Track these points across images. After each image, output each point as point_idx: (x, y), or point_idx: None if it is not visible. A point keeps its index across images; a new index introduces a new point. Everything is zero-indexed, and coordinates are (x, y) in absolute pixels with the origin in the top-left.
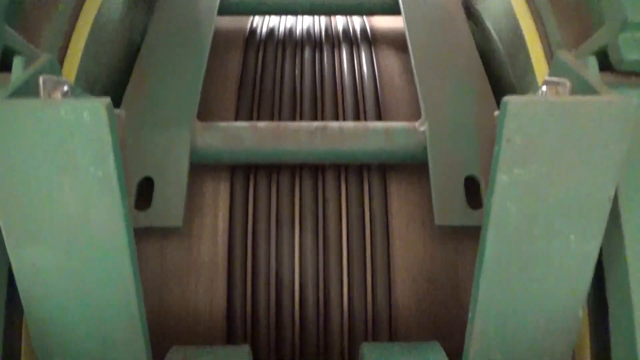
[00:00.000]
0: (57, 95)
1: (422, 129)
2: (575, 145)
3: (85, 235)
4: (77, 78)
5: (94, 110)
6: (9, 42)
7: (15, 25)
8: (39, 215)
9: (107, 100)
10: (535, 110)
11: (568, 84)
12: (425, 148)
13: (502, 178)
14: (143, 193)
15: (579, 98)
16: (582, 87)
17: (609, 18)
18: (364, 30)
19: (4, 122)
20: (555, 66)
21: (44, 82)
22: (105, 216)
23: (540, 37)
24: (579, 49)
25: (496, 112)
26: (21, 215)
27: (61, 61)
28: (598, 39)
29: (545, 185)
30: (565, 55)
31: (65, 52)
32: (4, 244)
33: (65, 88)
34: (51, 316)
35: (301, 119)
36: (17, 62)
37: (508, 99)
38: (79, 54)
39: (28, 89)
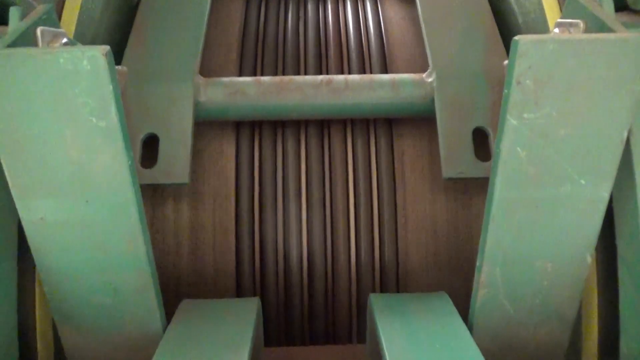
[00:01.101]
0: (56, 46)
1: (429, 80)
2: (588, 86)
3: (91, 187)
4: (75, 34)
5: (94, 58)
6: None
7: None
8: (44, 167)
9: (106, 48)
10: (547, 49)
11: (581, 24)
12: (433, 100)
13: (511, 123)
14: (147, 152)
15: (592, 35)
16: (597, 27)
17: None
18: None
19: (3, 73)
20: (568, 7)
21: (42, 33)
22: (109, 167)
23: None
24: None
25: (505, 62)
26: (27, 168)
27: (58, 17)
28: None
29: (556, 128)
30: None
31: (62, 7)
32: (12, 200)
33: (64, 40)
34: (62, 269)
35: (306, 73)
36: (14, 12)
37: (519, 37)
38: (77, 10)
39: (26, 42)
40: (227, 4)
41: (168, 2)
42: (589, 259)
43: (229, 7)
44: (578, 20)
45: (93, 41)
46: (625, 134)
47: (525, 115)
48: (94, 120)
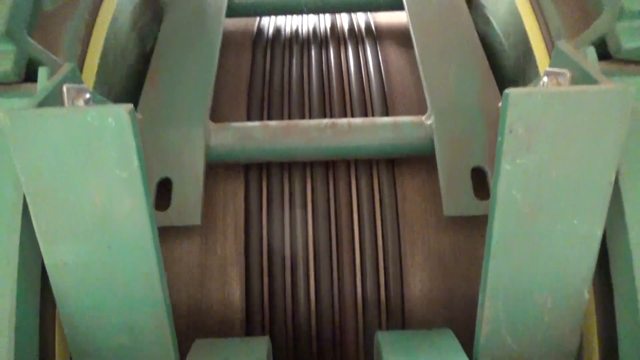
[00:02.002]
0: (80, 102)
1: (428, 122)
2: (576, 133)
3: (113, 234)
4: (95, 85)
5: (118, 116)
6: (32, 52)
7: (34, 35)
8: (69, 215)
9: (130, 106)
10: (536, 101)
11: (568, 74)
12: (433, 141)
13: (506, 168)
14: (161, 194)
15: (578, 88)
16: (582, 77)
17: (607, 7)
18: (368, 26)
19: (35, 129)
20: (555, 57)
21: (67, 91)
22: (130, 214)
23: (540, 27)
24: (578, 39)
25: (499, 104)
26: (52, 216)
27: (79, 69)
28: (597, 29)
29: (548, 172)
30: (565, 46)
31: (83, 60)
32: (37, 245)
33: (87, 96)
34: (82, 310)
35: (310, 117)
36: (43, 72)
37: (509, 90)
38: (96, 63)
39: (52, 97)
40: (235, 53)
41: (179, 52)
42: (587, 294)
43: (237, 55)
44: (565, 70)
45: (111, 90)
46: (613, 176)
47: (518, 161)
48: (117, 171)
